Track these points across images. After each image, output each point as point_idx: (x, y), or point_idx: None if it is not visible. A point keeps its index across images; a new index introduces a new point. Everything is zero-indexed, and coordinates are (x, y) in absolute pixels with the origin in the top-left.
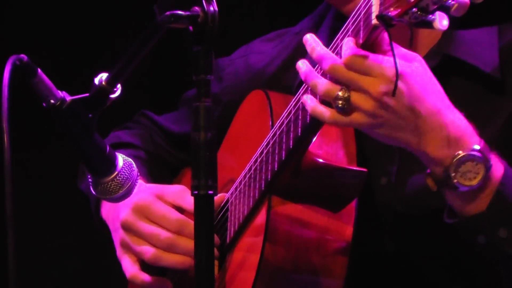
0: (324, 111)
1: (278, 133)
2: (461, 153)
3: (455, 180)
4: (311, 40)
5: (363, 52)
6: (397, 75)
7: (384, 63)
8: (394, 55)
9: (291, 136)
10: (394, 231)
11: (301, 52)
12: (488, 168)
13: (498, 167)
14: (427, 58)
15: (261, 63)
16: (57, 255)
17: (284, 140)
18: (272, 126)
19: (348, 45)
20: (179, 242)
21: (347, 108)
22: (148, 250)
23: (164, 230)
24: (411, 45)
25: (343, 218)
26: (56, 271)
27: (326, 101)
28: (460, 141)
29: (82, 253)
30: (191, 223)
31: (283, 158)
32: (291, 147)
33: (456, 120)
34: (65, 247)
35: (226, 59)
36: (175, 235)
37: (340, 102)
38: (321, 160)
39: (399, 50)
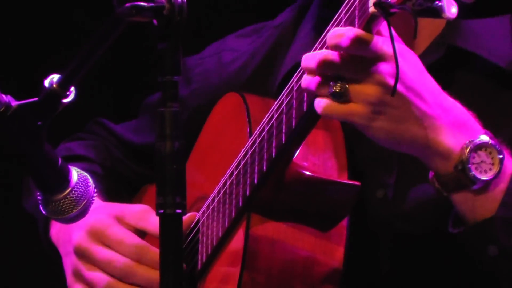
0: (321, 101)
1: (258, 142)
2: (472, 140)
3: (471, 173)
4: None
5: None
6: (398, 73)
7: (380, 43)
8: (394, 48)
9: (274, 144)
10: (392, 252)
11: (282, 48)
12: (502, 158)
13: (510, 161)
14: (429, 50)
15: (236, 62)
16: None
17: (265, 149)
18: (251, 133)
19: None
20: (137, 271)
21: (345, 96)
22: (101, 279)
23: (121, 256)
24: (415, 37)
25: (332, 239)
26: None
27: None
28: (467, 127)
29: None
30: (151, 249)
31: (264, 170)
32: (273, 156)
33: (456, 104)
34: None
35: (195, 58)
36: (132, 263)
37: (338, 87)
38: (307, 173)
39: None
